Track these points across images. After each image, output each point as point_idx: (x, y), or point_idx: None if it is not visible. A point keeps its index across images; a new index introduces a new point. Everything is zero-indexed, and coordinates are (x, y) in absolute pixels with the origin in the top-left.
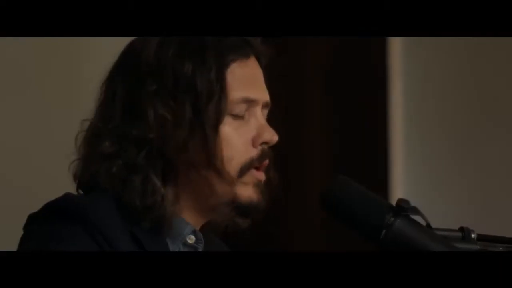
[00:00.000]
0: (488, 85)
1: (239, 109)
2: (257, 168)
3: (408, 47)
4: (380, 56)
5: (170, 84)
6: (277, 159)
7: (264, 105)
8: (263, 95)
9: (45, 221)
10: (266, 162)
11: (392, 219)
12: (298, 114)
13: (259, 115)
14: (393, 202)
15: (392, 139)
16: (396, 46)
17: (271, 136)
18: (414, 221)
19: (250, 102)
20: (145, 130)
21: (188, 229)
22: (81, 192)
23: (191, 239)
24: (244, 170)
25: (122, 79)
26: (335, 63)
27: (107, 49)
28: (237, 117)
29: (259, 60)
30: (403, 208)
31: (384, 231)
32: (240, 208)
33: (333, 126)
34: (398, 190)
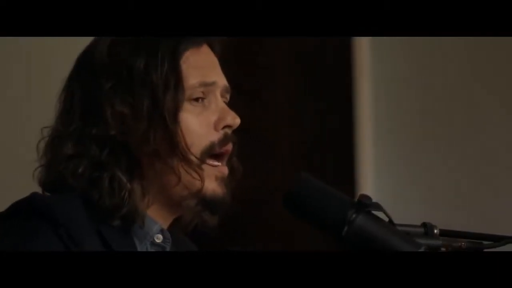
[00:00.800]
0: (457, 84)
1: (198, 94)
2: (221, 154)
3: (375, 46)
4: (346, 53)
5: (126, 80)
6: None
7: (224, 90)
8: (220, 79)
9: (11, 219)
10: (229, 146)
11: (354, 215)
12: (271, 113)
13: (219, 100)
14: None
15: (360, 137)
16: (363, 45)
17: (233, 119)
18: (376, 217)
19: (208, 86)
20: (105, 128)
21: (156, 228)
22: (47, 193)
23: (158, 238)
24: (206, 152)
25: (79, 81)
26: (304, 61)
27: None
28: (197, 103)
29: (212, 47)
30: (365, 204)
31: (346, 228)
32: (206, 202)
33: (311, 126)
34: (367, 188)
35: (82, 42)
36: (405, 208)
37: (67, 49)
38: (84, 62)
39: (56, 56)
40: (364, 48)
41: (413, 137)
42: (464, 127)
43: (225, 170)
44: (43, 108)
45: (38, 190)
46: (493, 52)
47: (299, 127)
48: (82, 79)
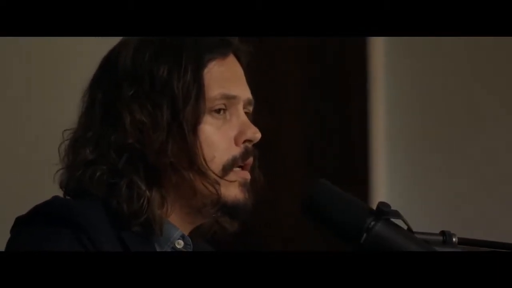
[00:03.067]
0: (471, 87)
1: (219, 106)
2: (242, 167)
3: (389, 47)
4: (360, 56)
5: (147, 88)
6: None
7: (246, 103)
8: (244, 92)
9: (32, 224)
10: (250, 160)
11: (373, 223)
12: (281, 119)
13: (241, 113)
14: (375, 205)
15: (374, 141)
16: (378, 47)
17: (254, 133)
18: (395, 225)
19: (230, 99)
20: (123, 136)
21: (176, 234)
22: (68, 198)
23: (179, 244)
24: (227, 169)
25: (101, 86)
26: (314, 64)
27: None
28: (217, 116)
29: (238, 58)
30: (384, 212)
31: (364, 235)
32: (227, 208)
33: (314, 126)
34: (380, 193)
35: (83, 42)
36: (419, 215)
37: (67, 49)
38: (108, 65)
39: (55, 56)
40: (377, 49)
41: (424, 138)
42: (481, 128)
43: (247, 175)
44: (43, 108)
45: (39, 189)
46: None
47: (301, 127)
48: (105, 83)
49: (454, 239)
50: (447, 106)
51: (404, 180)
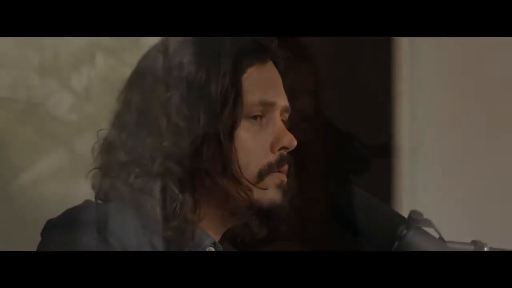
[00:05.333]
0: (495, 87)
1: (256, 113)
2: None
3: (414, 47)
4: (385, 56)
5: (184, 91)
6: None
7: (283, 110)
8: (281, 99)
9: (63, 228)
10: (286, 168)
11: (405, 231)
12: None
13: (278, 120)
14: (400, 211)
15: (398, 143)
16: (402, 46)
17: (290, 141)
18: (427, 233)
19: (267, 106)
20: (159, 139)
21: (208, 241)
22: (100, 201)
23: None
24: (262, 175)
25: (137, 87)
26: (337, 62)
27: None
28: (254, 122)
29: (277, 65)
30: (416, 220)
31: (396, 243)
32: (262, 212)
33: (336, 128)
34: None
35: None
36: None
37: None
38: (145, 66)
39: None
40: (402, 49)
41: (451, 143)
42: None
43: (283, 178)
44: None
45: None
46: None
47: (323, 132)
48: (141, 85)
49: (485, 249)
50: (475, 110)
51: (431, 187)
